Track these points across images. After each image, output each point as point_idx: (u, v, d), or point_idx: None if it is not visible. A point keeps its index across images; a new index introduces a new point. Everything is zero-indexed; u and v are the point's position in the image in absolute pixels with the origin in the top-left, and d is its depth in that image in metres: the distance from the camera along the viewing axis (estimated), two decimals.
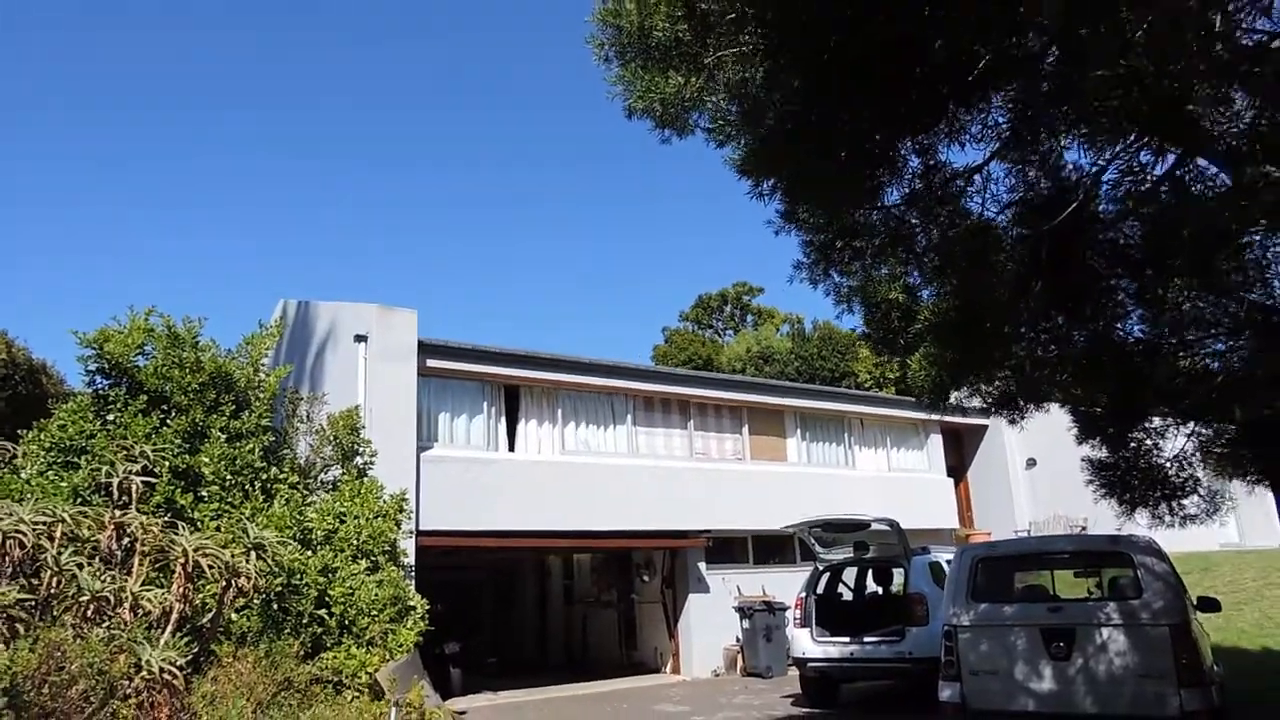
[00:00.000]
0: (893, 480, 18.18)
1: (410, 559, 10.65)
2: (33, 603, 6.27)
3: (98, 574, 6.82)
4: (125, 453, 8.24)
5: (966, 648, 6.83)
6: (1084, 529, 17.98)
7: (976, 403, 5.68)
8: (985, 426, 20.08)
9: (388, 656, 8.42)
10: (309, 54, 68.30)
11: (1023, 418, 5.72)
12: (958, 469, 20.34)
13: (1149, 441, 6.89)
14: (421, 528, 11.62)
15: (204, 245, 67.36)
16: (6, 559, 6.20)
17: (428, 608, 9.40)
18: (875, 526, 10.70)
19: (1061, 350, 4.64)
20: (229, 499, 8.88)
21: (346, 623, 8.47)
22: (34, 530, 6.28)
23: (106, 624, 6.60)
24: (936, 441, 19.22)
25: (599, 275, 68.82)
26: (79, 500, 8.33)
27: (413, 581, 10.25)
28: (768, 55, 2.97)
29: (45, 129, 58.76)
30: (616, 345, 69.40)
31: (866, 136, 3.10)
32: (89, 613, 6.67)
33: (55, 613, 6.45)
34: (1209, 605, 8.32)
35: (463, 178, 70.07)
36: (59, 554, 6.47)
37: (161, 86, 63.79)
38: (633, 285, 66.73)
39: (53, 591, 6.53)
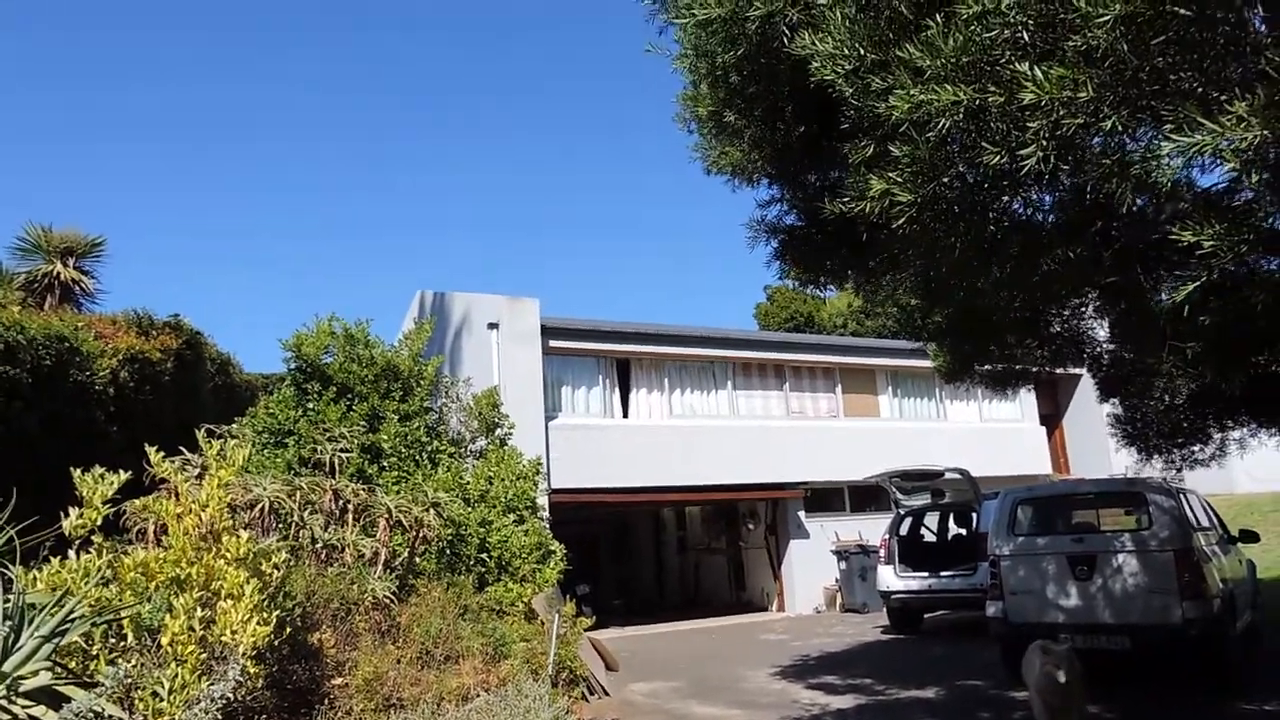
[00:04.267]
0: (985, 431, 19.41)
1: (546, 513, 12.90)
2: (288, 549, 8.70)
3: (324, 527, 9.23)
4: (327, 434, 10.66)
5: (1007, 573, 8.44)
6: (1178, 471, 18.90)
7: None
8: (1079, 376, 20.88)
9: (536, 590, 10.66)
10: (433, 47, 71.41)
11: (1015, 392, 7.30)
12: (1053, 417, 21.29)
13: (1166, 398, 8.27)
14: (552, 486, 13.90)
15: (326, 238, 72.12)
16: (268, 518, 8.62)
17: (565, 552, 11.59)
18: (949, 475, 12.25)
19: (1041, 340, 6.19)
20: (404, 468, 11.24)
21: (503, 564, 10.72)
22: (286, 497, 8.68)
23: (336, 563, 8.99)
24: (1028, 391, 20.24)
25: (704, 238, 70.28)
26: (291, 473, 10.80)
27: (550, 531, 12.49)
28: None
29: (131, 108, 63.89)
30: (721, 305, 71.01)
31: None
32: (322, 556, 9.09)
33: (301, 556, 8.87)
34: (1249, 537, 9.65)
35: (573, 151, 72.42)
36: (302, 514, 8.87)
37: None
38: (738, 244, 67.94)
39: (298, 541, 8.95)
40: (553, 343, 14.96)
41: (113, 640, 5.58)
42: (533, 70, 75.16)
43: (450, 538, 10.53)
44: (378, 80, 72.48)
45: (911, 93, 2.68)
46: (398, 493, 10.62)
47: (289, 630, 6.38)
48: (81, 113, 61.38)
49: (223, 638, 5.72)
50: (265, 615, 5.90)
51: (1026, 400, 20.18)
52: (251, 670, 5.67)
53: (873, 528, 16.67)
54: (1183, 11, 2.30)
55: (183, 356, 12.26)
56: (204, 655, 5.53)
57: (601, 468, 14.92)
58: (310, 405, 11.33)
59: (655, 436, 15.76)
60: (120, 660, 5.33)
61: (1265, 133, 2.10)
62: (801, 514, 16.95)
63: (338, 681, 7.48)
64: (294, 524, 8.87)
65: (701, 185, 72.92)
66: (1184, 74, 2.47)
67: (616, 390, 16.03)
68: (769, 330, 32.18)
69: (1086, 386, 20.91)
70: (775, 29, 3.39)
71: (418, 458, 11.45)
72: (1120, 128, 2.55)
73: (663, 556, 21.56)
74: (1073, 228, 4.22)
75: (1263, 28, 3.14)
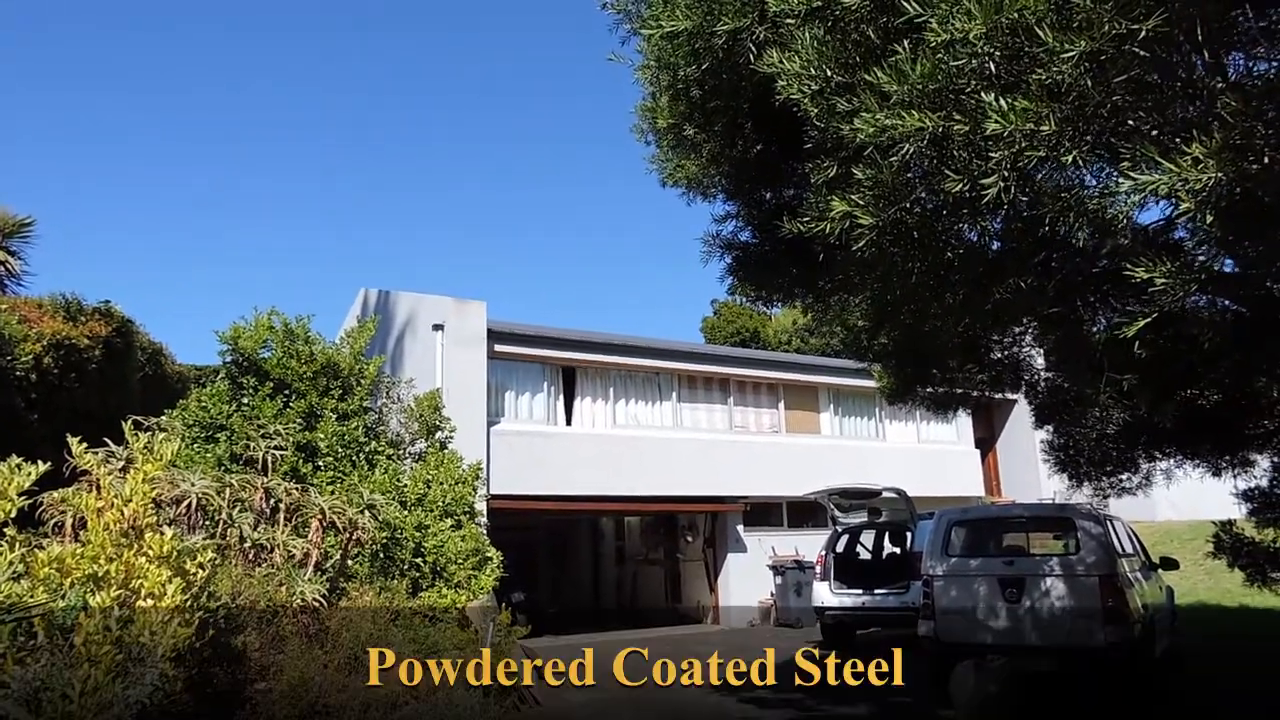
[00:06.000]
0: (922, 451, 19.78)
1: (484, 518, 12.73)
2: (215, 547, 8.42)
3: (254, 526, 8.95)
4: (261, 431, 10.36)
5: (940, 593, 8.57)
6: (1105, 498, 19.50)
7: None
8: (1014, 401, 21.40)
9: (471, 597, 10.49)
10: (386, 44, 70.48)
11: (955, 415, 7.48)
12: (987, 440, 21.80)
13: (1099, 427, 8.50)
14: (492, 492, 13.72)
15: (268, 231, 70.55)
16: (195, 515, 8.33)
17: (502, 559, 11.45)
18: (886, 494, 12.43)
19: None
20: (340, 468, 10.98)
21: (438, 569, 10.54)
22: (215, 493, 8.40)
23: (265, 564, 8.73)
24: (965, 414, 20.68)
25: (652, 249, 70.52)
26: (222, 469, 10.47)
27: (487, 537, 12.32)
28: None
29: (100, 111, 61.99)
30: (668, 318, 71.30)
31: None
32: (250, 556, 8.81)
33: (228, 555, 8.59)
34: (1169, 564, 9.96)
35: (518, 157, 72.10)
36: (231, 512, 8.59)
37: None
38: (686, 257, 68.50)
39: (225, 540, 8.67)
40: (498, 347, 14.81)
41: (21, 639, 5.30)
42: (488, 74, 74.73)
43: (385, 541, 10.30)
44: (332, 80, 71.30)
45: (877, 116, 2.71)
46: (332, 493, 10.36)
47: (212, 632, 6.16)
48: (17, 108, 59.15)
49: (140, 639, 5.48)
50: (187, 616, 5.68)
51: (963, 423, 20.61)
52: (170, 673, 5.43)
53: (809, 544, 16.81)
54: (1141, 52, 2.35)
55: (112, 344, 11.79)
56: (120, 656, 5.28)
57: (543, 475, 14.79)
58: (245, 400, 11.01)
59: (598, 446, 15.69)
60: (29, 660, 5.07)
61: (1220, 175, 2.17)
62: (740, 528, 17.04)
63: (261, 686, 7.23)
64: (222, 522, 8.58)
65: (651, 197, 73.60)
66: (1142, 114, 2.54)
67: (561, 398, 15.93)
68: (715, 344, 32.37)
69: (1020, 412, 21.48)
70: (741, 45, 3.40)
71: (354, 458, 11.20)
72: (1080, 163, 2.61)
73: (600, 566, 21.47)
74: (1021, 257, 4.31)
75: (1203, 71, 3.25)
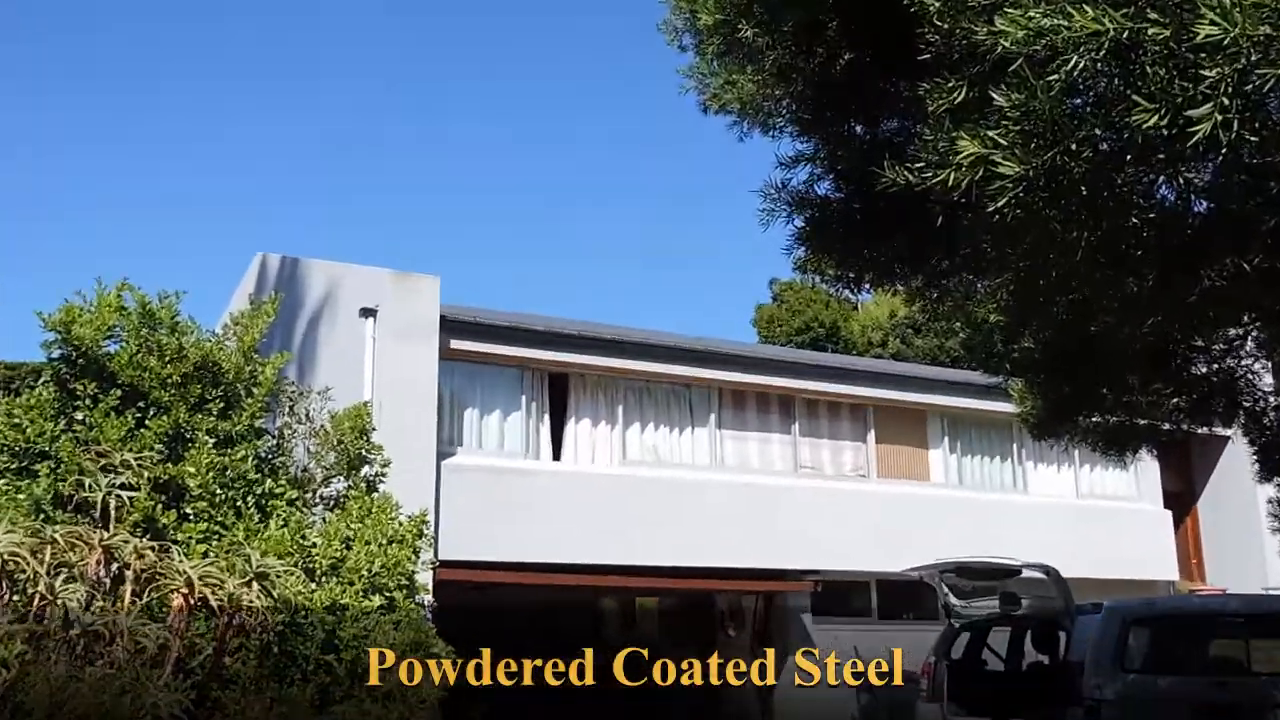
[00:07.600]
0: (1082, 510, 19.60)
1: (430, 596, 12.71)
2: (26, 635, 8.41)
3: (86, 604, 8.95)
4: (103, 461, 10.37)
5: None
6: None
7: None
8: (1226, 439, 21.03)
9: (407, 712, 10.46)
10: None
11: (1133, 458, 7.37)
12: (1183, 496, 21.54)
13: None
14: (443, 557, 13.69)
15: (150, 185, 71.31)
16: (1, 584, 8.34)
17: (456, 657, 11.40)
18: (1028, 574, 12.25)
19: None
20: (219, 518, 10.96)
21: (359, 671, 10.51)
22: (28, 554, 8.40)
23: (101, 661, 8.72)
24: (1149, 457, 20.42)
25: (691, 209, 70.73)
26: (42, 517, 10.47)
27: (433, 625, 12.29)
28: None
29: None
30: (709, 308, 71.34)
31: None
32: (80, 648, 8.81)
33: (46, 647, 8.59)
34: None
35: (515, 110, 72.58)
36: (52, 582, 8.60)
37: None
38: (735, 221, 68.44)
39: (43, 623, 8.67)
40: (456, 344, 14.77)
41: None
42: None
43: (281, 628, 10.29)
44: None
45: (1030, 15, 2.62)
46: (205, 555, 10.35)
47: None
48: None
49: None
50: None
51: (1146, 470, 20.30)
52: None
53: (911, 644, 16.63)
54: None
55: None
56: None
57: (518, 532, 14.73)
58: (79, 416, 11.03)
59: (599, 490, 15.64)
60: None
61: None
62: (807, 617, 16.92)
63: None
64: (38, 596, 8.60)
65: (676, 134, 73.02)
66: None
67: (546, 418, 15.90)
68: (773, 345, 32.26)
69: (1235, 455, 21.09)
70: None
71: (240, 503, 11.19)
72: None
73: (603, 667, 21.40)
74: (1242, 226, 4.19)
75: None
